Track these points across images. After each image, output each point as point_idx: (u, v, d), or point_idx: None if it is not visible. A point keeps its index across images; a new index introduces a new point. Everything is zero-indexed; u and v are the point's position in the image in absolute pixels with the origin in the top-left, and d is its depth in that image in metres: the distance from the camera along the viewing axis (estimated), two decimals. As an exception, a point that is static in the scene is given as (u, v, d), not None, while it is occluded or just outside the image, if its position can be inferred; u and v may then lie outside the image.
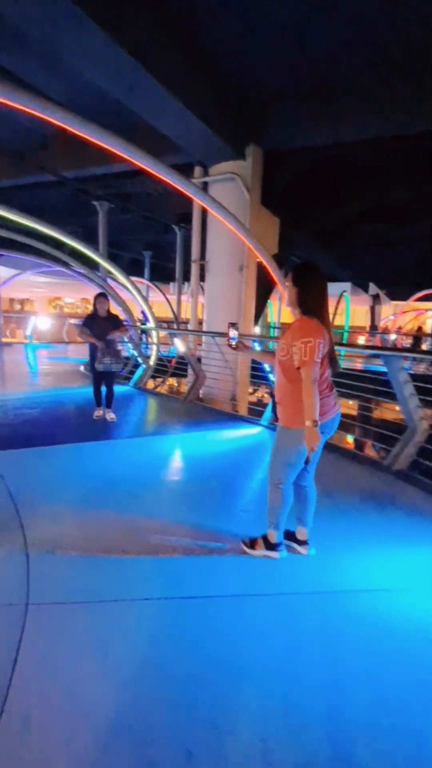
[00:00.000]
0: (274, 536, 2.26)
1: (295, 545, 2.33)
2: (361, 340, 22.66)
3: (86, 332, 4.58)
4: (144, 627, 1.74)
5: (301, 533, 2.33)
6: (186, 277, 14.84)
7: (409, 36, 5.12)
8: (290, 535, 2.36)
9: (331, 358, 2.04)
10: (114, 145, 3.85)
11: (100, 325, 4.60)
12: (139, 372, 7.73)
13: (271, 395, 2.41)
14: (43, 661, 1.55)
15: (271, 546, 2.25)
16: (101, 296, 4.71)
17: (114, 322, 4.74)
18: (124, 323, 5.08)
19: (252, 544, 2.29)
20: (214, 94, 6.20)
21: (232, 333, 2.38)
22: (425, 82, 5.83)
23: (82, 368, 8.79)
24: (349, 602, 1.94)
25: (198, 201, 5.64)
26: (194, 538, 2.42)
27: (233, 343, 2.38)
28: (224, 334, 6.76)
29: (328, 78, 6.08)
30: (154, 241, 17.93)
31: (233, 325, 2.45)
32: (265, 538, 2.29)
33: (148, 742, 1.28)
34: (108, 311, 4.74)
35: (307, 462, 2.11)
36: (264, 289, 8.57)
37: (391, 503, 3.04)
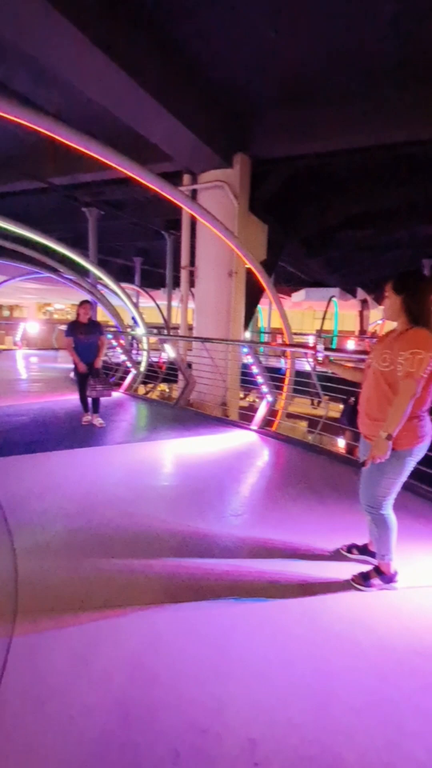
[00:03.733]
0: (389, 567, 2.09)
1: (370, 558, 2.23)
2: (351, 344, 22.92)
3: (75, 354, 4.76)
4: (133, 633, 1.75)
5: (385, 567, 2.12)
6: (176, 283, 14.89)
7: (390, 46, 5.27)
8: (363, 550, 2.30)
9: None
10: (102, 153, 3.90)
11: (83, 332, 4.71)
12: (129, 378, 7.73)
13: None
14: (31, 669, 1.55)
15: (388, 579, 2.08)
16: (85, 303, 4.82)
17: (96, 329, 4.85)
18: (108, 331, 5.17)
19: (365, 579, 2.08)
20: (202, 103, 6.29)
21: (320, 346, 2.18)
22: (406, 92, 6.00)
23: (71, 375, 8.75)
24: (338, 602, 1.98)
25: (186, 208, 5.70)
26: (184, 543, 2.44)
27: (320, 357, 2.23)
28: (213, 340, 6.83)
29: (313, 88, 6.22)
30: (145, 248, 17.98)
31: (319, 336, 2.30)
32: (377, 569, 2.11)
33: (136, 745, 1.29)
34: (90, 318, 4.82)
35: (363, 465, 1.96)
36: (253, 294, 8.65)
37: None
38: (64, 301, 34.34)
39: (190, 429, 5.08)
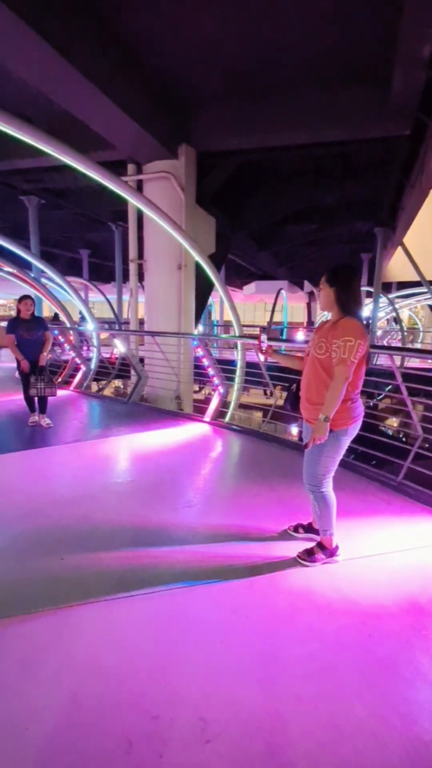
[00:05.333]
0: (331, 542, 2.22)
1: (325, 558, 2.25)
2: (300, 335, 23.71)
3: (17, 351, 4.52)
4: (85, 630, 1.73)
5: (327, 542, 2.25)
6: (126, 277, 14.55)
7: (328, 43, 5.44)
8: (307, 528, 2.41)
9: (367, 362, 2.06)
10: (34, 138, 3.70)
11: (25, 328, 4.49)
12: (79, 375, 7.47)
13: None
14: None
15: (330, 553, 2.21)
16: (26, 298, 4.58)
17: (39, 325, 4.65)
18: (54, 327, 4.95)
19: (309, 555, 2.20)
20: (143, 91, 6.15)
21: (263, 337, 2.32)
22: (345, 90, 6.24)
23: (15, 374, 8.29)
24: (284, 579, 2.08)
25: (130, 199, 5.57)
26: (137, 536, 2.44)
27: (264, 347, 2.35)
28: (163, 333, 6.77)
29: (255, 83, 6.30)
30: (92, 240, 17.34)
31: (264, 330, 2.49)
32: (320, 545, 2.23)
33: (87, 740, 1.29)
34: (32, 314, 4.60)
35: (306, 447, 2.09)
36: (204, 287, 8.67)
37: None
38: (7, 296, 32.29)
39: (143, 424, 5.03)
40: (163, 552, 2.30)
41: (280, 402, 3.18)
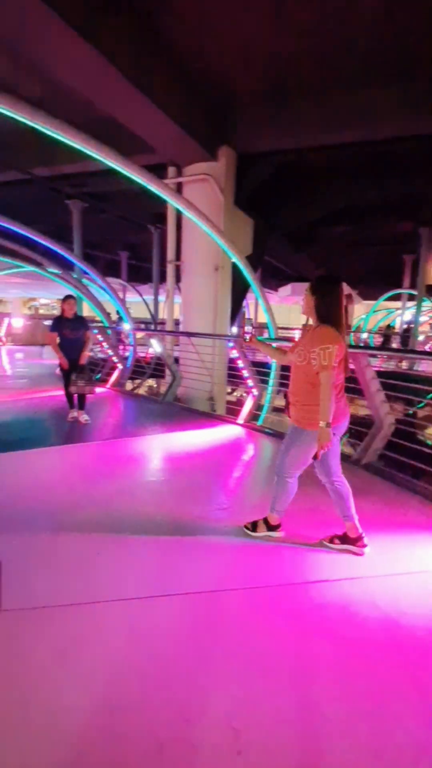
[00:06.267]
0: (276, 519, 2.44)
1: (351, 547, 2.32)
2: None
3: (59, 350, 4.67)
4: (117, 628, 1.75)
5: (352, 529, 2.33)
6: (163, 278, 14.78)
7: (374, 41, 5.29)
8: (343, 538, 2.36)
9: (346, 365, 2.21)
10: (82, 143, 3.83)
11: (68, 327, 4.63)
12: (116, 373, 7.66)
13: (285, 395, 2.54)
14: (12, 667, 1.55)
15: (272, 527, 2.43)
16: (69, 298, 4.73)
17: (82, 324, 4.77)
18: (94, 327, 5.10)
19: (254, 527, 2.46)
20: (185, 94, 6.22)
21: (248, 328, 2.60)
22: (390, 88, 6.03)
23: (57, 371, 8.63)
24: (320, 592, 2.01)
25: (171, 202, 5.65)
26: (172, 538, 2.45)
27: (247, 338, 2.68)
28: (200, 335, 6.81)
29: (296, 82, 6.21)
30: (131, 242, 17.76)
31: (249, 320, 2.73)
32: (266, 519, 2.46)
33: (121, 739, 1.30)
34: (75, 313, 4.75)
35: (316, 458, 2.21)
36: (240, 289, 8.65)
37: (365, 496, 3.15)
38: (50, 296, 33.78)
39: (176, 424, 5.08)
40: (198, 554, 2.30)
41: None
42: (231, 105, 6.76)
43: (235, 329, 13.77)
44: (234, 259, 6.72)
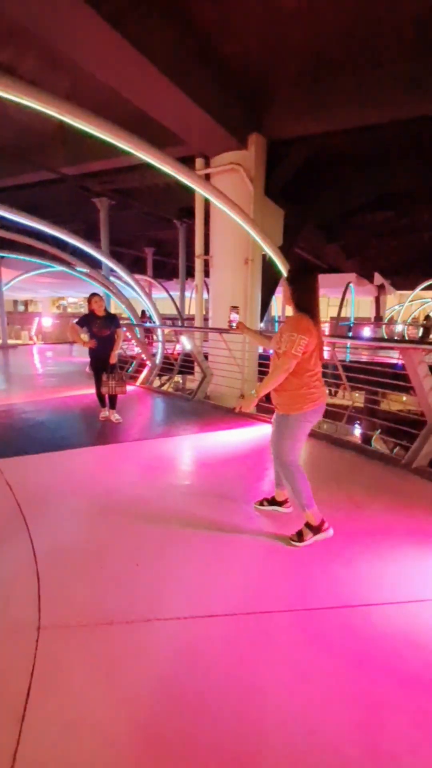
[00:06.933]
0: (314, 517, 2.33)
1: (320, 536, 2.35)
2: (367, 331, 22.41)
3: (78, 337, 4.54)
4: (159, 648, 1.62)
5: (313, 517, 2.36)
6: (189, 273, 14.65)
7: (417, 12, 4.88)
8: (304, 531, 2.36)
9: (321, 353, 2.29)
10: (116, 136, 3.71)
11: (98, 325, 4.53)
12: (145, 371, 7.61)
13: None
14: (57, 687, 1.44)
15: (316, 529, 2.32)
16: (95, 295, 4.62)
17: (112, 322, 4.65)
18: (122, 323, 4.98)
19: (299, 537, 2.32)
20: (214, 80, 5.98)
21: (233, 316, 2.62)
22: (424, 65, 5.58)
23: (87, 369, 8.69)
24: (374, 617, 1.81)
25: (203, 193, 5.46)
26: (209, 550, 2.30)
27: (234, 325, 2.49)
28: (228, 331, 6.62)
29: (332, 60, 5.85)
30: (156, 238, 17.74)
31: (234, 308, 2.78)
32: (307, 524, 2.34)
33: (164, 761, 1.16)
34: (105, 309, 4.65)
35: (234, 410, 2.38)
36: (270, 282, 8.38)
37: (418, 504, 2.89)
38: (78, 295, 34.43)
39: (208, 423, 4.93)
40: (241, 567, 2.14)
41: (359, 404, 2.93)
42: (263, 89, 6.45)
43: (263, 325, 13.48)
44: (268, 251, 6.46)
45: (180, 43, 5.23)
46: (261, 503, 2.75)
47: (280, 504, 2.70)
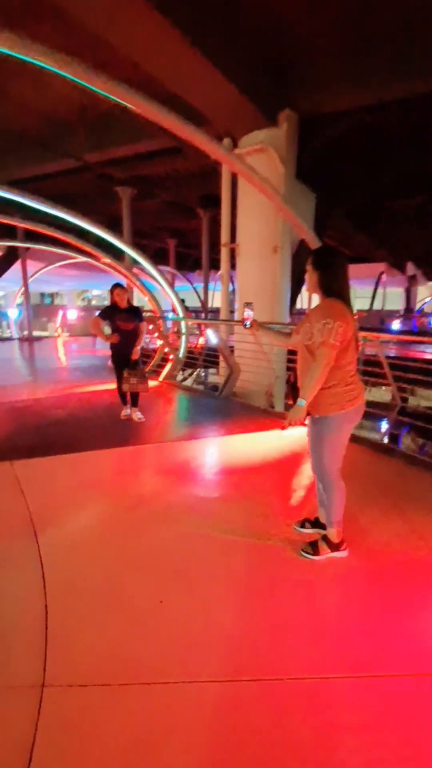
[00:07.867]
0: (337, 535, 2.11)
1: (336, 554, 2.12)
2: (396, 324, 21.37)
3: (99, 331, 4.28)
4: (181, 716, 1.30)
5: (335, 535, 2.13)
6: (213, 265, 14.24)
7: None
8: (315, 522, 2.29)
9: (357, 345, 2.01)
10: (156, 113, 3.42)
11: (122, 319, 4.24)
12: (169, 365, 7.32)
13: (288, 382, 2.37)
14: (61, 753, 1.15)
15: (335, 546, 2.12)
16: (118, 287, 4.32)
17: (136, 315, 4.35)
18: (144, 317, 4.64)
19: (315, 550, 2.11)
20: (244, 52, 5.52)
21: (247, 312, 2.25)
22: None
23: (109, 363, 8.48)
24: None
25: (238, 170, 5.04)
26: (244, 581, 1.95)
27: (247, 324, 2.25)
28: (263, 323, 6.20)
29: (369, 26, 5.27)
30: (178, 229, 17.39)
31: (248, 304, 2.28)
32: (325, 538, 2.14)
33: None
34: (129, 302, 4.34)
35: (283, 428, 2.00)
36: (299, 271, 7.89)
37: None
38: (102, 287, 34.61)
39: (237, 424, 4.57)
40: (289, 612, 1.78)
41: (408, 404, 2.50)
42: (296, 59, 5.94)
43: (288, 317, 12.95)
44: (306, 236, 5.97)
45: (205, 10, 4.79)
46: (302, 524, 2.37)
47: (324, 526, 2.30)
